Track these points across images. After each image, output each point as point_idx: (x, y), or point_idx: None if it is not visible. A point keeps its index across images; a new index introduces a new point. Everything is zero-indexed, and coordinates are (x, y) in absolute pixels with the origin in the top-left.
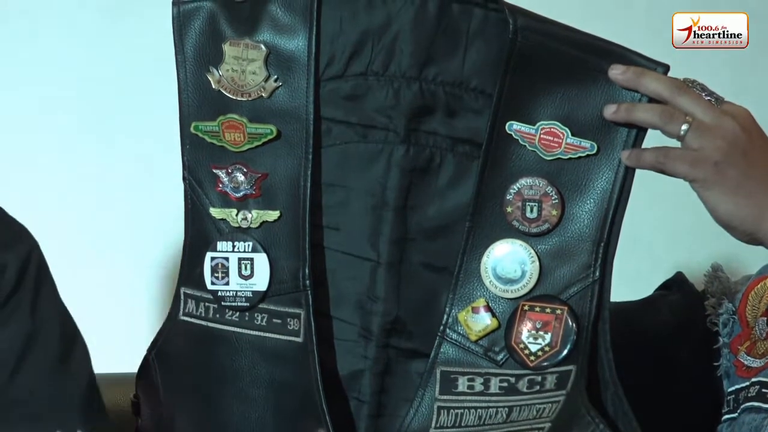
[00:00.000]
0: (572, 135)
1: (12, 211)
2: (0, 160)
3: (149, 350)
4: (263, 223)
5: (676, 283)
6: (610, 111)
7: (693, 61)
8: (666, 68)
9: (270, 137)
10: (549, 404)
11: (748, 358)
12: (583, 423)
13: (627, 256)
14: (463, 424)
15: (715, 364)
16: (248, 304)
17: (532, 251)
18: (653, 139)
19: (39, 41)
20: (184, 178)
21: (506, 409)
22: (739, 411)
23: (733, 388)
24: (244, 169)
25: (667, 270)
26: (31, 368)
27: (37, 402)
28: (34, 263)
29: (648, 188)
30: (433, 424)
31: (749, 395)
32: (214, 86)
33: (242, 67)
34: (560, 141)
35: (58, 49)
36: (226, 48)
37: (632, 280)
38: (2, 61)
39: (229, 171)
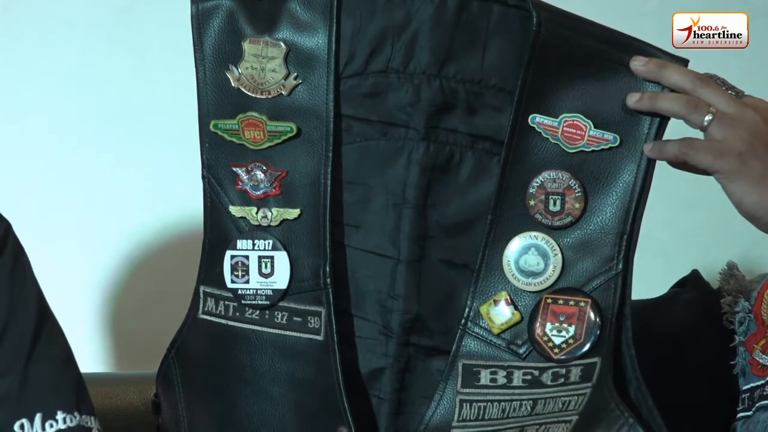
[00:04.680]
0: (595, 127)
1: (28, 211)
2: (16, 159)
3: (169, 349)
4: (283, 221)
5: (692, 281)
6: (633, 99)
7: (693, 61)
8: (685, 63)
9: (290, 135)
10: (575, 397)
11: (764, 356)
12: (612, 417)
13: (642, 254)
14: (486, 418)
15: (731, 362)
16: (268, 303)
17: (555, 244)
18: (671, 134)
19: (56, 40)
20: (203, 177)
21: (530, 402)
22: (754, 409)
23: (748, 387)
24: (264, 167)
25: (683, 268)
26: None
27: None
28: (11, 242)
29: (663, 187)
30: (455, 418)
31: (764, 393)
32: (233, 84)
33: (262, 64)
34: (583, 133)
35: (76, 47)
36: (246, 46)
37: (647, 278)
38: (19, 60)
39: (249, 169)
